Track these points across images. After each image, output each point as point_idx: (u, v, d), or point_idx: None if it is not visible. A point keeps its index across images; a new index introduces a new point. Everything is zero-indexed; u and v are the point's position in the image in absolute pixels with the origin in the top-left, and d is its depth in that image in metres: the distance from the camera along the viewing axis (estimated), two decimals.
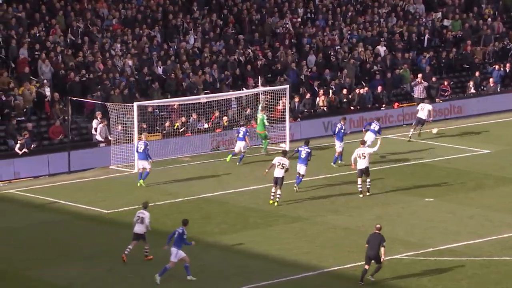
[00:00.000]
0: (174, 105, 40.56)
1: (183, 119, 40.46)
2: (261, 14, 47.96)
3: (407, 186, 34.46)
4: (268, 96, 40.87)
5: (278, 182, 32.29)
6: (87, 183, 35.92)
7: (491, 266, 26.63)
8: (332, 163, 36.69)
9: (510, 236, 28.91)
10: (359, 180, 32.96)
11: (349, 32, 48.17)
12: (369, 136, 37.10)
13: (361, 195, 32.93)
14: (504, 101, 46.31)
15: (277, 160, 32.61)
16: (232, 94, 41.83)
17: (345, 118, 38.72)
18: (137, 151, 35.31)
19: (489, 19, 50.97)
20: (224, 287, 25.78)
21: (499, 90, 47.14)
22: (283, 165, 32.31)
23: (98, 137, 39.23)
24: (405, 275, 26.17)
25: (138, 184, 34.89)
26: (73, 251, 28.64)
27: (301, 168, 33.35)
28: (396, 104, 45.24)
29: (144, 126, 38.97)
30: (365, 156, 32.82)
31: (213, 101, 40.67)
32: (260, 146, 39.23)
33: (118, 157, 37.81)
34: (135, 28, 44.81)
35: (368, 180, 32.95)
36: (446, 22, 50.30)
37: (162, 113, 40.66)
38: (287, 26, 47.61)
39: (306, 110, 43.12)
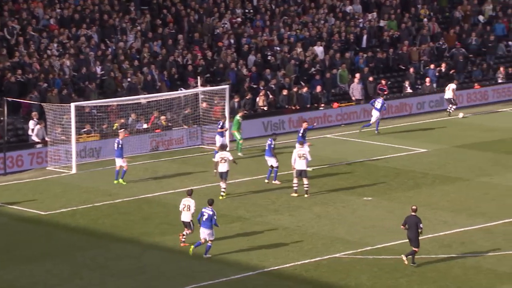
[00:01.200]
0: (112, 105, 40.29)
1: (122, 119, 40.23)
2: (199, 14, 47.91)
3: (347, 185, 34.73)
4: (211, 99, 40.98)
5: (223, 176, 32.75)
6: (24, 184, 35.50)
7: (428, 264, 26.97)
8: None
9: (447, 234, 29.32)
10: (295, 180, 33.11)
11: (288, 32, 48.39)
12: (373, 114, 41.78)
13: (295, 194, 33.09)
14: (441, 100, 47.00)
15: (219, 156, 32.91)
16: (171, 94, 41.72)
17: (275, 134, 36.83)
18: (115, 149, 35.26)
19: (425, 19, 51.65)
20: None
21: (435, 90, 47.83)
22: (225, 159, 32.68)
23: (35, 138, 38.78)
24: (344, 273, 26.37)
25: (115, 182, 34.77)
26: (11, 253, 28.28)
27: (270, 161, 33.54)
28: (335, 104, 45.57)
29: (145, 126, 39.23)
30: (304, 157, 32.98)
31: (152, 101, 40.51)
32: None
33: (55, 158, 37.44)
34: (72, 28, 44.42)
35: (306, 182, 33.12)
36: (382, 23, 50.83)
37: (100, 114, 40.35)
38: (226, 26, 47.64)
39: (245, 111, 43.15)
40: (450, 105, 45.13)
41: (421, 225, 26.61)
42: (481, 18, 53.26)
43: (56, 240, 29.42)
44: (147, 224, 30.74)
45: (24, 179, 36.18)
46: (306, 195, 33.09)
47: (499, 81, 49.58)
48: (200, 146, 41.30)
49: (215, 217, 27.42)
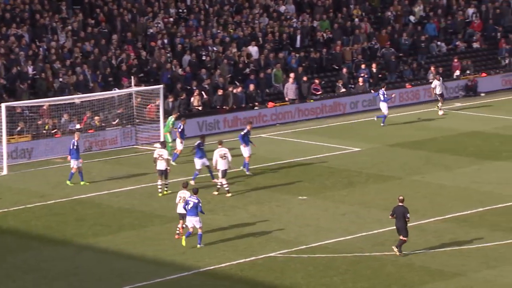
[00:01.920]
0: (44, 105, 39.82)
1: (55, 120, 39.80)
2: (132, 14, 47.61)
3: (282, 184, 34.85)
4: (139, 99, 40.74)
5: (163, 174, 32.95)
6: None
7: (362, 262, 27.21)
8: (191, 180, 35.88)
9: (380, 232, 29.60)
10: (218, 180, 33.30)
11: (221, 32, 48.37)
12: (382, 106, 42.94)
13: (216, 193, 33.22)
14: (373, 100, 47.47)
15: (157, 153, 33.16)
16: (104, 94, 41.38)
17: (185, 119, 37.87)
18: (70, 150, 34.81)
19: (357, 19, 52.12)
20: None
21: (368, 89, 48.28)
22: (162, 157, 32.83)
23: None
24: (279, 272, 26.45)
25: (82, 183, 34.36)
26: None
27: (200, 162, 33.19)
28: (270, 103, 45.69)
29: (78, 126, 38.69)
30: (225, 157, 33.07)
31: (85, 101, 40.14)
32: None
33: None
34: (2, 28, 43.75)
35: (225, 182, 33.18)
36: (315, 23, 51.14)
37: (31, 114, 39.83)
38: (160, 26, 47.43)
39: (179, 111, 43.02)
40: (439, 104, 45.31)
41: (408, 215, 27.38)
42: (412, 18, 53.95)
43: None
44: (81, 226, 30.44)
45: None
46: (228, 194, 33.15)
47: (431, 80, 50.28)
48: (134, 146, 41.05)
49: (200, 204, 28.09)
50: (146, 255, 27.78)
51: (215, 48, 46.98)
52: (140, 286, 25.58)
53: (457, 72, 51.19)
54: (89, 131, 40.24)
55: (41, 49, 43.63)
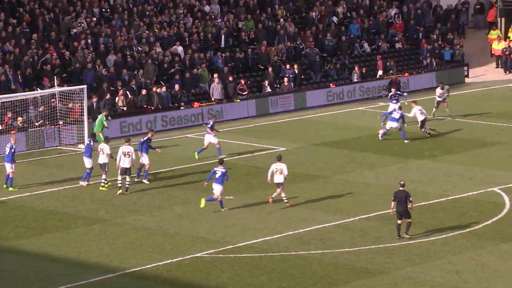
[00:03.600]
0: None
1: None
2: (55, 13, 46.98)
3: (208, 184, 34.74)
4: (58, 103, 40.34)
5: (126, 172, 33.04)
6: None
7: (288, 261, 27.32)
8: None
9: (306, 231, 29.76)
10: (120, 177, 33.20)
11: (146, 32, 48.07)
12: (391, 107, 42.05)
13: (120, 191, 33.14)
14: (297, 100, 47.74)
15: (122, 150, 33.10)
16: (27, 95, 40.75)
17: (153, 131, 36.82)
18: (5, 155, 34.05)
19: (282, 19, 52.34)
20: None
21: (293, 89, 48.53)
22: (129, 154, 32.92)
23: None
24: (205, 273, 26.39)
25: (10, 189, 33.68)
26: None
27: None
28: (196, 103, 45.57)
29: (0, 127, 38.08)
30: (129, 155, 33.09)
31: (6, 102, 39.47)
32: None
33: None
34: None
35: (128, 179, 33.20)
36: (240, 23, 51.19)
37: None
38: (83, 25, 46.91)
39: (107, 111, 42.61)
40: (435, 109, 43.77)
41: (410, 199, 28.39)
42: (335, 19, 54.42)
43: None
44: (2, 228, 29.92)
45: None
46: (126, 192, 33.11)
47: (355, 80, 50.78)
48: (58, 147, 40.52)
49: (227, 173, 31.16)
50: (70, 257, 27.43)
51: (140, 48, 46.66)
52: None
53: (380, 72, 51.81)
54: (11, 132, 39.56)
55: None
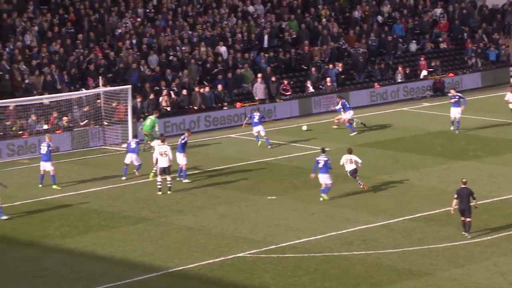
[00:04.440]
0: (9, 106, 39.51)
1: (22, 121, 39.54)
2: (100, 14, 47.37)
3: (250, 184, 34.83)
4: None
5: (165, 171, 32.95)
6: None
7: (331, 261, 27.25)
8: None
9: (349, 232, 29.67)
10: (159, 178, 33.26)
11: (189, 32, 48.28)
12: (453, 111, 41.24)
13: (159, 193, 33.14)
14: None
15: (159, 150, 33.16)
16: (72, 95, 41.16)
17: (189, 130, 37.19)
18: (40, 153, 34.35)
19: (324, 20, 52.23)
20: None
21: (336, 89, 48.42)
22: (166, 153, 32.93)
23: None
24: (248, 273, 26.42)
25: (53, 187, 33.90)
26: None
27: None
28: (238, 103, 45.65)
29: (45, 127, 38.63)
30: (166, 154, 33.06)
31: (53, 102, 39.91)
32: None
33: None
34: None
35: (169, 179, 33.27)
36: (283, 23, 51.20)
37: None
38: (127, 26, 47.24)
39: (148, 111, 42.93)
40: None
41: (474, 195, 28.42)
42: (379, 18, 54.18)
43: None
44: (48, 227, 30.22)
45: None
46: (169, 192, 33.13)
47: (398, 80, 50.51)
48: (102, 147, 40.85)
49: (329, 161, 31.76)
50: (114, 256, 27.63)
51: (183, 48, 46.87)
52: (109, 287, 25.41)
53: (424, 72, 51.48)
54: (57, 131, 39.96)
55: (7, 49, 43.27)
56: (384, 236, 29.15)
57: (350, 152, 33.57)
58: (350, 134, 41.87)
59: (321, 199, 32.32)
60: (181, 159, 34.72)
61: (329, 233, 29.39)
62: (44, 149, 34.26)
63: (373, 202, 32.62)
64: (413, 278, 25.99)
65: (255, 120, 40.06)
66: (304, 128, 42.69)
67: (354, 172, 33.21)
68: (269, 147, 39.53)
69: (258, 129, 39.99)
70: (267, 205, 32.41)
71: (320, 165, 32.19)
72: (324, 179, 32.33)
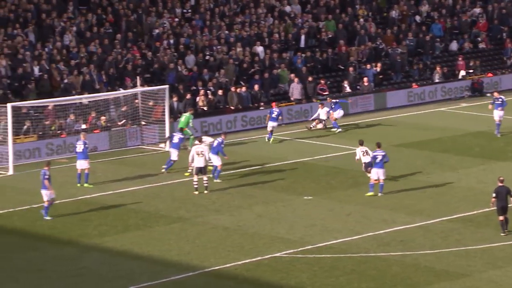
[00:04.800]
0: (49, 106, 39.86)
1: (61, 120, 39.87)
2: (138, 14, 47.62)
3: (287, 184, 34.82)
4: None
5: (202, 171, 33.06)
6: None
7: (368, 262, 27.16)
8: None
9: (386, 232, 29.56)
10: (195, 178, 33.27)
11: (226, 32, 48.37)
12: (497, 114, 40.96)
13: (196, 192, 33.17)
14: (378, 100, 47.44)
15: (196, 149, 33.23)
16: (110, 95, 41.42)
17: (226, 133, 37.58)
18: (76, 151, 34.57)
19: (362, 19, 52.06)
20: None
21: (373, 89, 48.24)
22: (202, 153, 33.01)
23: None
24: (284, 273, 26.41)
25: (85, 185, 34.17)
26: None
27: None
28: (274, 104, 45.60)
29: (84, 126, 38.78)
30: (203, 154, 33.08)
31: (91, 101, 40.19)
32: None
33: None
34: (8, 28, 43.82)
35: (206, 178, 33.33)
36: (320, 23, 51.10)
37: (37, 114, 39.86)
38: (165, 26, 47.44)
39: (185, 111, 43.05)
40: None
41: None
42: (417, 18, 53.89)
43: None
44: (86, 226, 30.43)
45: None
46: (205, 191, 33.18)
47: (436, 80, 50.22)
48: (140, 146, 41.07)
49: (387, 155, 32.51)
50: (152, 255, 27.77)
51: (218, 47, 46.91)
52: (145, 286, 25.55)
53: (463, 72, 51.12)
54: (95, 131, 40.24)
55: (46, 49, 43.66)
56: (422, 237, 29.00)
57: (362, 143, 34.11)
58: (336, 132, 42.37)
59: (369, 194, 32.42)
60: (216, 160, 34.82)
61: (366, 234, 29.29)
62: (80, 147, 34.52)
63: (410, 203, 32.47)
64: (451, 279, 25.83)
65: (273, 115, 40.84)
66: (313, 125, 42.46)
67: (369, 165, 33.56)
68: (269, 141, 40.39)
69: (273, 124, 40.73)
70: (304, 205, 32.39)
71: (378, 160, 32.56)
72: (380, 174, 32.65)
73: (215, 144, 35.00)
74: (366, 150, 33.83)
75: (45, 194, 30.69)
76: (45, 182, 30.57)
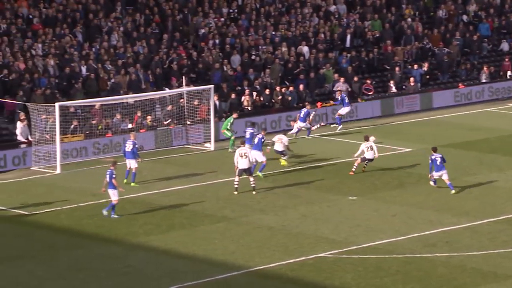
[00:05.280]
0: (95, 105, 40.21)
1: (108, 119, 40.19)
2: (184, 14, 47.83)
3: (331, 185, 34.74)
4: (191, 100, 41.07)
5: (246, 172, 33.14)
6: (8, 184, 35.33)
7: (413, 263, 27.00)
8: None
9: (432, 233, 29.37)
10: (237, 178, 33.29)
11: (272, 32, 48.38)
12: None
13: (235, 192, 33.20)
14: (424, 100, 47.13)
15: (239, 151, 33.31)
16: (156, 94, 41.66)
17: (265, 129, 37.90)
18: (125, 150, 34.91)
19: (409, 19, 51.75)
20: None
21: (419, 89, 47.94)
22: (246, 155, 33.06)
23: (20, 138, 38.66)
24: (329, 273, 26.36)
25: (132, 184, 34.45)
26: None
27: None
28: (319, 103, 45.55)
29: (130, 126, 39.29)
30: (246, 156, 33.18)
31: (137, 101, 40.46)
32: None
33: (40, 158, 37.28)
34: (56, 28, 44.28)
35: (252, 179, 33.35)
36: (366, 23, 50.90)
37: (84, 114, 40.24)
38: (211, 26, 47.59)
39: (230, 111, 43.17)
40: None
41: None
42: (465, 17, 53.43)
43: (41, 240, 29.30)
44: (132, 225, 30.65)
45: (8, 179, 36.02)
46: (254, 192, 33.21)
47: (483, 80, 49.75)
48: (185, 146, 41.25)
49: (444, 157, 33.14)
50: (196, 254, 27.88)
51: (264, 47, 46.94)
52: (190, 286, 25.66)
53: (510, 73, 50.56)
54: (141, 130, 40.50)
55: (93, 49, 44.05)
56: (468, 238, 28.75)
57: (367, 139, 34.80)
58: (337, 129, 42.65)
59: (452, 192, 33.02)
60: (260, 156, 34.96)
61: (411, 235, 29.12)
62: (129, 146, 34.78)
63: (456, 204, 32.21)
64: (498, 281, 25.57)
65: (301, 115, 40.98)
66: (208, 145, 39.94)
67: (371, 160, 34.35)
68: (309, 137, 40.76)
69: (301, 124, 40.99)
70: (348, 205, 32.29)
71: (438, 162, 33.08)
72: (444, 175, 33.16)
73: (256, 141, 35.24)
74: (371, 146, 34.49)
75: (113, 194, 30.93)
76: (113, 182, 30.82)
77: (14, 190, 34.65)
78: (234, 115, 39.95)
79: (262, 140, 35.43)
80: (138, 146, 36.24)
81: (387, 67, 49.11)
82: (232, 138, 39.10)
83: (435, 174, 33.34)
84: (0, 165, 37.07)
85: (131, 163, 34.71)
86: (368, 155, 34.95)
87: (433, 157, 33.28)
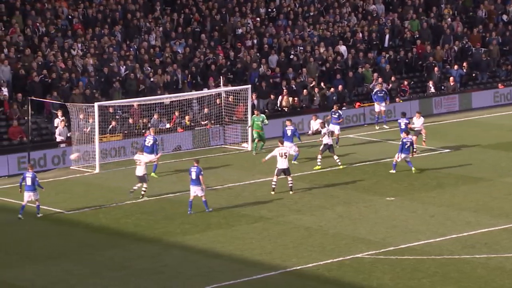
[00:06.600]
0: (134, 105, 40.42)
1: (146, 119, 40.41)
2: (221, 14, 47.94)
3: (369, 185, 34.63)
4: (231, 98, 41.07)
5: (285, 172, 33.17)
6: (47, 183, 35.62)
7: (451, 264, 26.83)
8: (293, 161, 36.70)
9: (470, 235, 29.15)
10: (275, 178, 33.31)
11: (310, 32, 48.32)
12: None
13: (272, 192, 33.26)
14: (463, 100, 46.81)
15: (279, 151, 33.29)
16: (194, 94, 41.80)
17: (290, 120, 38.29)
18: (144, 145, 35.33)
19: (449, 19, 51.42)
20: (187, 287, 25.71)
21: (459, 89, 47.61)
22: (286, 155, 33.14)
23: (59, 138, 38.99)
24: (366, 274, 26.28)
25: (152, 175, 35.13)
26: (32, 252, 28.41)
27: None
28: (357, 103, 45.42)
29: (168, 125, 39.68)
30: (286, 156, 33.10)
31: (175, 101, 40.63)
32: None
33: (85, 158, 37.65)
34: (96, 28, 44.60)
35: (290, 179, 33.32)
36: (405, 23, 50.67)
37: (123, 114, 40.48)
38: (249, 26, 47.65)
39: (267, 110, 43.19)
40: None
41: None
42: (505, 17, 52.95)
43: (79, 239, 29.53)
44: (169, 224, 30.78)
45: (48, 178, 36.34)
46: (291, 192, 33.21)
47: None
48: (223, 146, 41.33)
49: None
50: (233, 254, 27.93)
51: (301, 48, 46.90)
52: (226, 285, 25.70)
53: None
54: (179, 130, 40.65)
55: (131, 49, 44.29)
56: (507, 240, 28.49)
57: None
58: (383, 126, 42.86)
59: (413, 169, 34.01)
60: (293, 146, 35.98)
61: (449, 236, 28.93)
62: (149, 141, 35.16)
63: (495, 205, 31.94)
64: None
65: (335, 116, 40.44)
66: (73, 156, 37.57)
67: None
68: (337, 146, 39.18)
69: (334, 128, 40.34)
70: (386, 206, 32.16)
71: (406, 146, 34.55)
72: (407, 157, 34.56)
73: (289, 133, 36.29)
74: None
75: (198, 190, 31.34)
76: (200, 178, 31.24)
77: (53, 189, 34.96)
78: (256, 113, 39.35)
79: (296, 131, 36.56)
80: (175, 146, 36.32)
81: (425, 67, 48.77)
82: (256, 141, 39.06)
83: (402, 156, 34.73)
84: (40, 164, 37.41)
85: (149, 157, 34.89)
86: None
87: (404, 140, 34.69)
